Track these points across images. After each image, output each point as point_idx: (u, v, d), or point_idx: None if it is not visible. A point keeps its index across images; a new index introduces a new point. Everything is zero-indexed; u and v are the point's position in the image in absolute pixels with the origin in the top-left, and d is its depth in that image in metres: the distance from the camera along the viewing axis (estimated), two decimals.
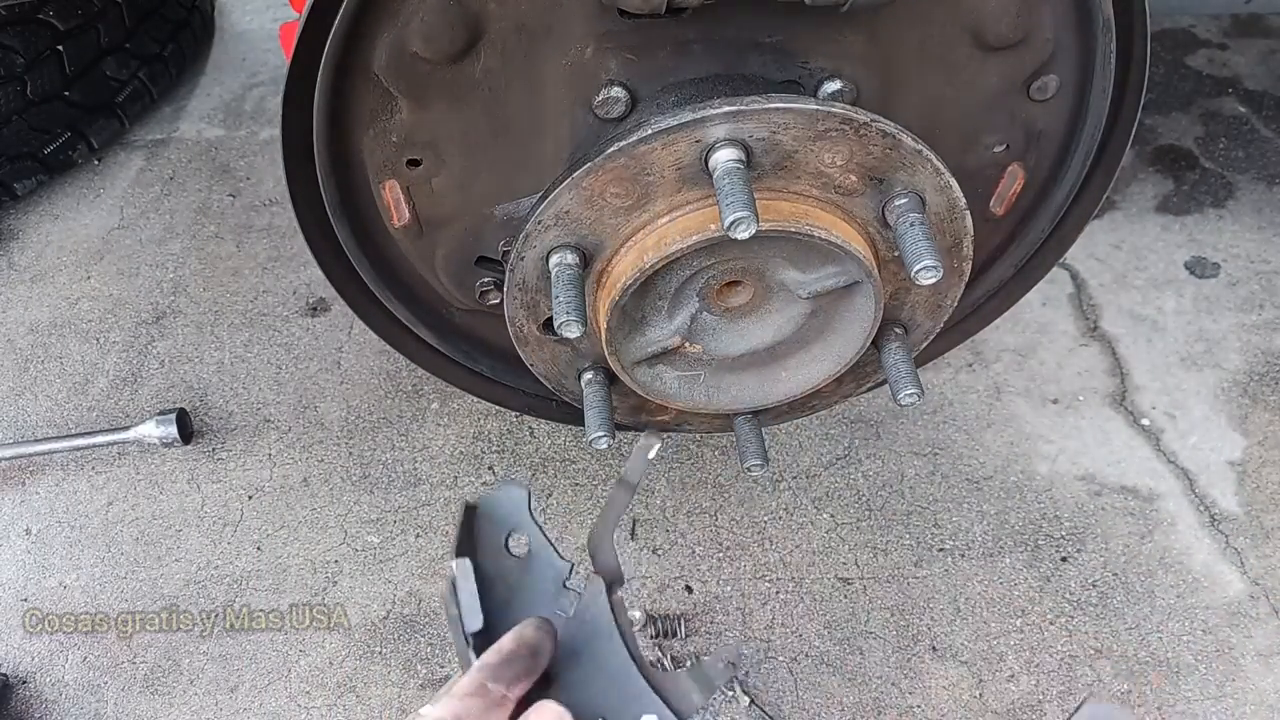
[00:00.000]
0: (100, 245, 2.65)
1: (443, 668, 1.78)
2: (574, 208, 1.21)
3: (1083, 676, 1.73)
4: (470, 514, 0.84)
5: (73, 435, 2.15)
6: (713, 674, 0.77)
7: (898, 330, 1.44)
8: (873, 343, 1.40)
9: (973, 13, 1.25)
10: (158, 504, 2.06)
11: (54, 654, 1.85)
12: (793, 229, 1.19)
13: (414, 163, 1.34)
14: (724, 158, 1.12)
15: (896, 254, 1.22)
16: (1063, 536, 1.92)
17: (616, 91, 1.26)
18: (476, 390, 1.75)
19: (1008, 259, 1.63)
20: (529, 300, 1.34)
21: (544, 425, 2.12)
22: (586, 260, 1.26)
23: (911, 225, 1.18)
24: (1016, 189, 1.48)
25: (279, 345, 2.35)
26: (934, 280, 1.15)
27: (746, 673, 1.75)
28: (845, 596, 1.85)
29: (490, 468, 2.08)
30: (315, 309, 2.43)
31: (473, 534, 0.84)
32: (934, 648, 1.78)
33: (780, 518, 1.97)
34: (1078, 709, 0.68)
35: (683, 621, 1.80)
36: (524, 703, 0.73)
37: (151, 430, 2.06)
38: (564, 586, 0.83)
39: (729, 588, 1.87)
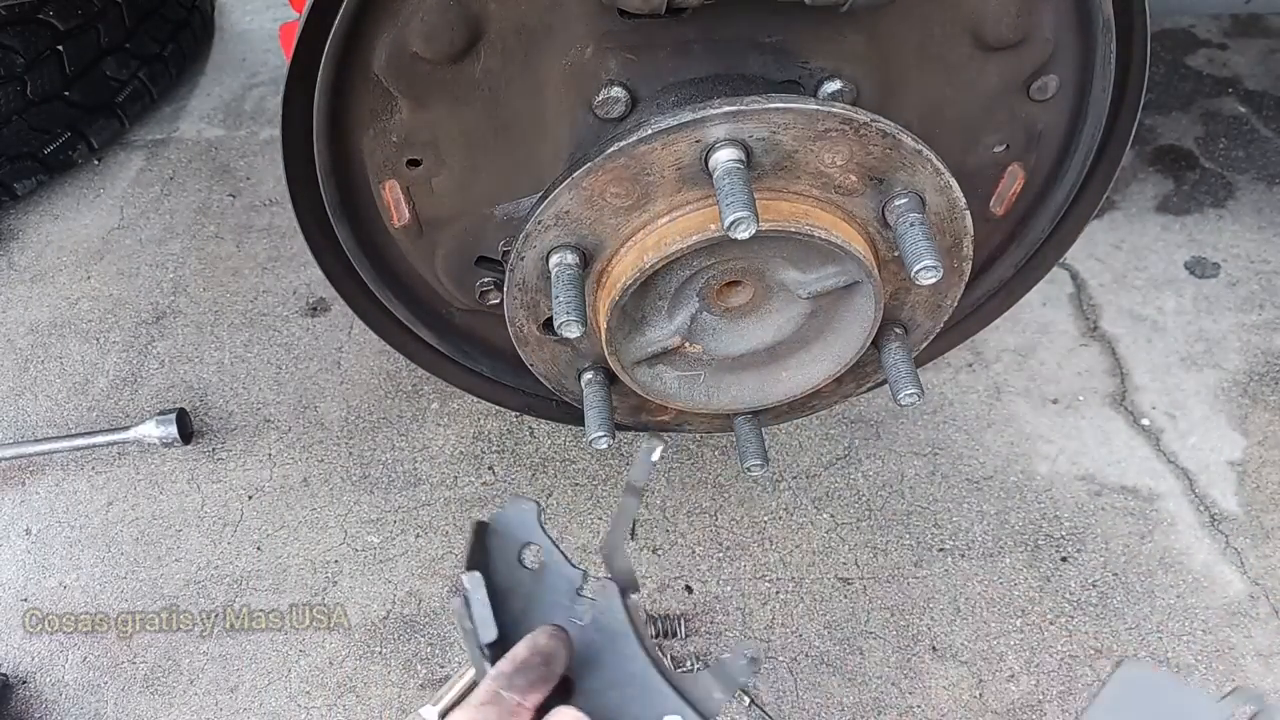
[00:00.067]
0: (100, 245, 2.65)
1: (443, 667, 1.78)
2: (574, 208, 1.21)
3: (1083, 676, 1.73)
4: (482, 531, 0.85)
5: (73, 435, 2.15)
6: (735, 671, 0.76)
7: (898, 330, 1.44)
8: (873, 343, 1.40)
9: (973, 13, 1.25)
10: (158, 504, 2.06)
11: (54, 654, 1.85)
12: (793, 229, 1.19)
13: (414, 163, 1.34)
14: (724, 158, 1.13)
15: (896, 254, 1.22)
16: (1063, 536, 1.92)
17: (616, 91, 1.26)
18: (476, 390, 1.75)
19: (1008, 259, 1.63)
20: (529, 300, 1.34)
21: (544, 425, 2.12)
22: (586, 260, 1.26)
23: (911, 225, 1.18)
24: (1016, 189, 1.48)
25: (279, 345, 2.35)
26: (934, 280, 1.15)
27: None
28: (845, 596, 1.85)
29: (490, 468, 2.08)
30: (315, 309, 2.43)
31: (484, 550, 0.84)
32: (934, 648, 1.78)
33: (780, 518, 1.97)
34: (1114, 670, 0.67)
35: (683, 621, 1.80)
36: (543, 710, 0.73)
37: (151, 430, 2.06)
38: (578, 595, 0.83)
39: (729, 588, 1.87)
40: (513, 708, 0.71)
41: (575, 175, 1.18)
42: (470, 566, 0.81)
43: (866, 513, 1.97)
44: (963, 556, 1.90)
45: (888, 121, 1.16)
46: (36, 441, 2.12)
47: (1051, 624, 1.80)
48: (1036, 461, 2.05)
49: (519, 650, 0.75)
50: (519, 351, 1.45)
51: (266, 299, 2.46)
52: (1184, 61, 3.00)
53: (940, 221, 1.27)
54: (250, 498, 2.06)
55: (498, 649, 0.77)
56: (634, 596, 0.81)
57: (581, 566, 0.84)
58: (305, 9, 1.18)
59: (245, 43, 3.42)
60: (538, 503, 0.86)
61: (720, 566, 1.90)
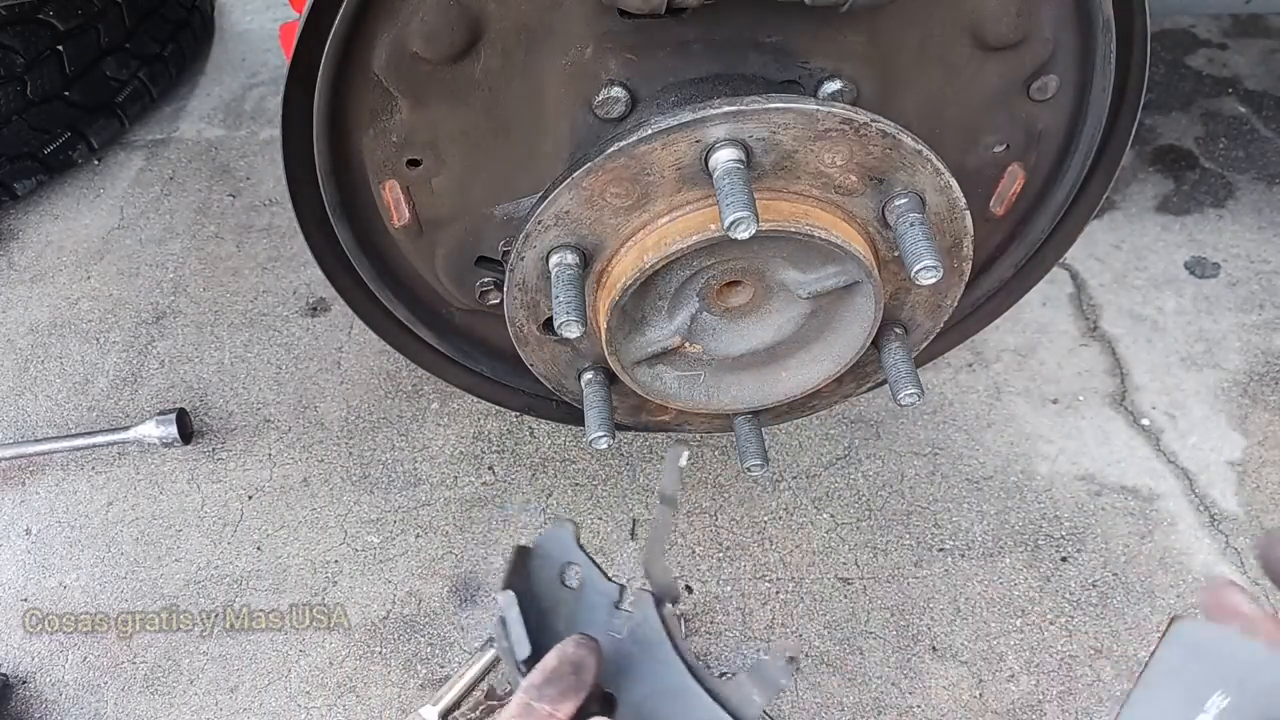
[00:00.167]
0: (100, 245, 2.65)
1: (443, 667, 1.78)
2: (574, 208, 1.21)
3: (1083, 676, 1.73)
4: (521, 554, 0.86)
5: (73, 435, 2.15)
6: (775, 674, 0.75)
7: (898, 330, 1.44)
8: (873, 343, 1.40)
9: (973, 13, 1.25)
10: (158, 504, 2.06)
11: (54, 654, 1.85)
12: (793, 229, 1.20)
13: (414, 163, 1.34)
14: (724, 158, 1.13)
15: (896, 254, 1.22)
16: (1063, 536, 1.92)
17: (616, 91, 1.26)
18: (476, 390, 1.75)
19: (1008, 259, 1.63)
20: (529, 300, 1.34)
21: (544, 425, 2.12)
22: (586, 260, 1.26)
23: (911, 225, 1.18)
24: (1016, 189, 1.48)
25: (279, 345, 2.35)
26: (934, 280, 1.15)
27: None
28: (845, 596, 1.85)
29: (490, 468, 2.08)
30: (315, 309, 2.43)
31: (524, 573, 0.86)
32: (934, 648, 1.78)
33: (780, 518, 1.97)
34: (1167, 629, 0.65)
35: (683, 621, 1.80)
36: None
37: (151, 430, 2.06)
38: (616, 609, 0.84)
39: (729, 588, 1.87)
40: (544, 718, 0.71)
41: (575, 175, 1.18)
42: (505, 587, 0.82)
43: (866, 513, 1.97)
44: (963, 556, 1.90)
45: (888, 121, 1.16)
46: (36, 441, 2.12)
47: (1051, 624, 1.80)
48: (1036, 461, 2.05)
49: (548, 660, 0.75)
50: (519, 351, 1.45)
51: (266, 299, 2.46)
52: (1184, 61, 3.00)
53: (940, 221, 1.27)
54: (250, 498, 2.06)
55: (533, 664, 0.77)
56: (669, 606, 0.81)
57: (619, 581, 0.85)
58: (305, 9, 1.18)
59: (245, 43, 3.42)
60: (574, 523, 0.87)
61: (720, 566, 1.90)
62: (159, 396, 2.25)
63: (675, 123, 1.13)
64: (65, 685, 1.80)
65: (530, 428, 2.14)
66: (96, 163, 2.91)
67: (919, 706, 1.71)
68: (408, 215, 1.40)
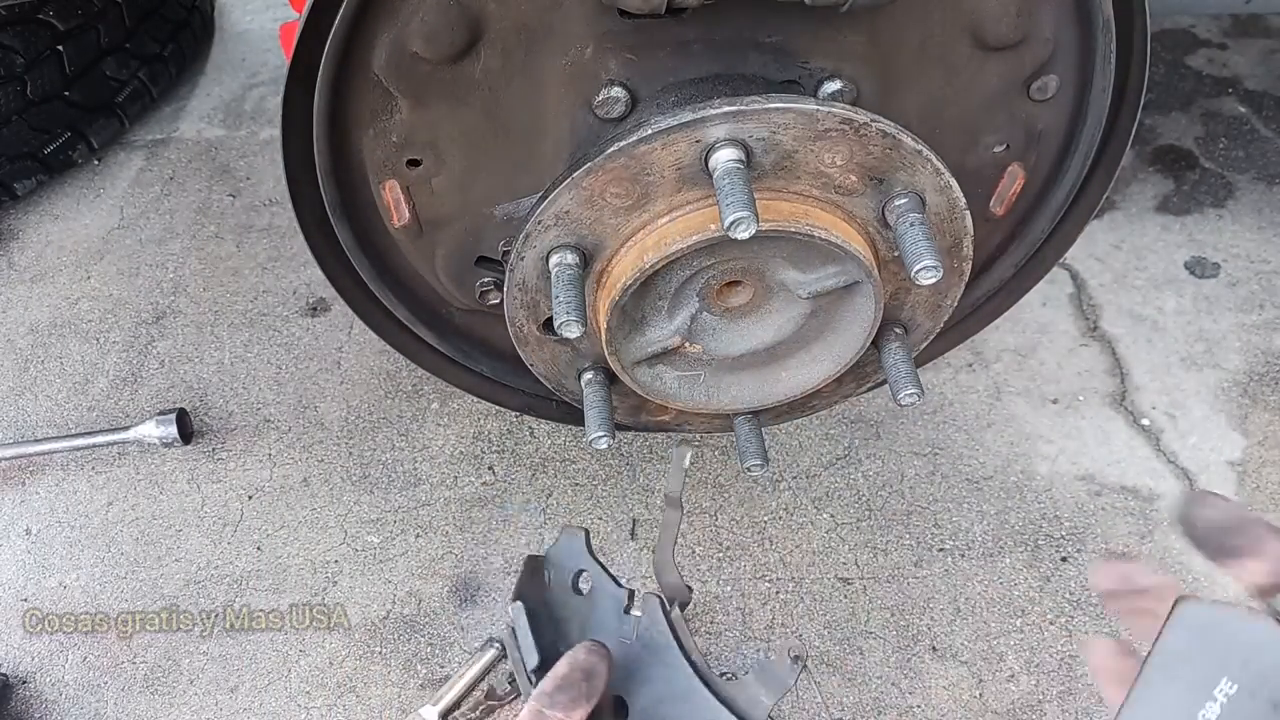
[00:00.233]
0: (100, 245, 2.65)
1: (443, 667, 1.78)
2: (574, 208, 1.21)
3: (1083, 676, 1.73)
4: (531, 564, 0.87)
5: (73, 435, 2.15)
6: (781, 673, 0.76)
7: (898, 330, 1.44)
8: (873, 343, 1.40)
9: (973, 13, 1.25)
10: (158, 504, 2.06)
11: (54, 654, 1.85)
12: (793, 229, 1.19)
13: (414, 163, 1.34)
14: (724, 158, 1.12)
15: (896, 254, 1.22)
16: (1063, 536, 1.92)
17: (616, 91, 1.26)
18: (476, 390, 1.75)
19: (1008, 259, 1.63)
20: (529, 300, 1.34)
21: (544, 425, 2.12)
22: (586, 260, 1.26)
23: (911, 225, 1.18)
24: (1016, 189, 1.48)
25: (279, 345, 2.35)
26: (934, 280, 1.15)
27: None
28: (845, 596, 1.85)
29: (490, 468, 2.08)
30: (315, 309, 2.43)
31: (535, 582, 0.86)
32: (934, 648, 1.78)
33: (780, 518, 1.97)
34: (1171, 611, 0.63)
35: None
36: None
37: (151, 430, 2.06)
38: (625, 613, 0.84)
39: (729, 588, 1.87)
40: None
41: (575, 175, 1.18)
42: (515, 598, 0.83)
43: (866, 513, 1.97)
44: (963, 556, 1.90)
45: (888, 121, 1.16)
46: (36, 441, 2.13)
47: (1051, 624, 1.80)
48: (1036, 461, 2.05)
49: (559, 668, 0.76)
50: (519, 351, 1.45)
51: (266, 299, 2.46)
52: (1184, 61, 3.00)
53: (940, 221, 1.27)
54: (250, 498, 2.06)
55: (543, 672, 0.78)
56: (677, 610, 0.82)
57: (628, 585, 0.85)
58: (305, 9, 1.18)
59: (245, 43, 3.42)
60: (586, 530, 0.87)
61: (720, 566, 1.90)
62: (159, 396, 2.25)
63: (675, 123, 1.13)
64: (65, 685, 1.80)
65: (530, 428, 2.14)
66: (96, 163, 2.91)
67: (919, 706, 1.71)
68: (408, 215, 1.40)
